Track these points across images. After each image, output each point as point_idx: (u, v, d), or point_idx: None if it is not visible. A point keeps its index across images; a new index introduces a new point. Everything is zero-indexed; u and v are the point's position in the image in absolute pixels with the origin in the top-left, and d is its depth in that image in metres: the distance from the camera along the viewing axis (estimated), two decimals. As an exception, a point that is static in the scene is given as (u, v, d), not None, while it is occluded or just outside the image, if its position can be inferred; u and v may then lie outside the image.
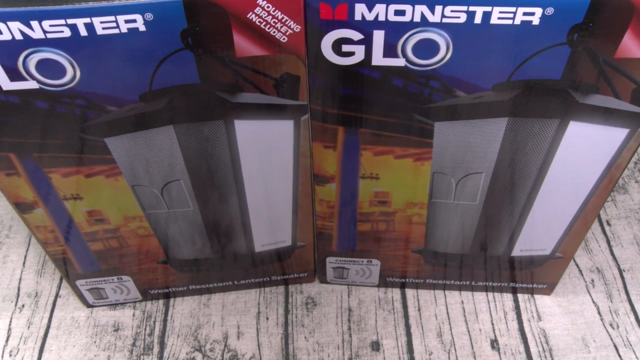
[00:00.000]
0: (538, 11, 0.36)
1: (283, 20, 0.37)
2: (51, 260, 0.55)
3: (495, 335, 0.60)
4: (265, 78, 0.41)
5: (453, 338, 0.60)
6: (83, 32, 0.36)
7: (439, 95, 0.42)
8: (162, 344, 0.60)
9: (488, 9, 0.36)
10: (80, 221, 0.51)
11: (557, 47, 0.38)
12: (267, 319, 0.62)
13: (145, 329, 0.61)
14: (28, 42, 0.36)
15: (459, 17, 0.37)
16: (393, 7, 0.36)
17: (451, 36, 0.38)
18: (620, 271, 0.65)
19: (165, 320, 0.62)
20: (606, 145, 0.45)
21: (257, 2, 0.36)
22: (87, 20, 0.35)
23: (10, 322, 0.62)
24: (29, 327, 0.61)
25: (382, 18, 0.37)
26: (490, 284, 0.62)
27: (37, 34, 0.36)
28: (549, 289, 0.62)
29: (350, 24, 0.38)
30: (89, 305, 0.62)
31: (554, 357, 0.58)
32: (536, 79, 0.40)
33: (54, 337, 0.60)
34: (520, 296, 0.63)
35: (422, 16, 0.37)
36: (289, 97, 0.43)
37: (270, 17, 0.37)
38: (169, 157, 0.46)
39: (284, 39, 0.38)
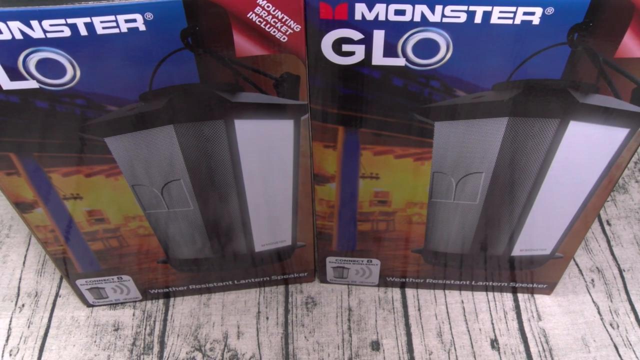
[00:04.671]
0: (538, 11, 0.36)
1: (283, 20, 0.37)
2: (51, 259, 0.55)
3: (495, 335, 0.60)
4: (265, 78, 0.41)
5: (453, 338, 0.60)
6: (83, 31, 0.36)
7: (439, 95, 0.42)
8: (162, 344, 0.60)
9: (488, 8, 0.36)
10: (80, 221, 0.51)
11: (557, 46, 0.38)
12: (267, 318, 0.62)
13: (145, 329, 0.61)
14: (28, 42, 0.36)
15: (459, 17, 0.37)
16: (393, 7, 0.36)
17: (451, 36, 0.38)
18: (620, 271, 0.65)
19: (165, 320, 0.62)
20: (606, 145, 0.45)
21: (257, 1, 0.36)
22: (87, 19, 0.35)
23: (10, 321, 0.62)
24: (29, 327, 0.61)
25: (382, 18, 0.37)
26: (490, 283, 0.62)
27: (37, 33, 0.36)
28: (549, 289, 0.62)
29: (350, 23, 0.38)
30: (89, 305, 0.62)
31: (554, 357, 0.58)
32: (536, 78, 0.40)
33: (54, 336, 0.60)
34: (520, 296, 0.63)
35: (422, 16, 0.37)
36: (289, 97, 0.43)
37: (270, 16, 0.37)
38: (169, 156, 0.46)
39: (284, 38, 0.38)
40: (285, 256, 0.60)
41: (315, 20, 0.38)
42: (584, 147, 0.45)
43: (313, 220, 0.56)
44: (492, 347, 0.59)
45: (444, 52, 0.39)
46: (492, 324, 0.61)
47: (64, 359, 0.59)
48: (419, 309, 0.62)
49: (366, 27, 0.38)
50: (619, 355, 0.58)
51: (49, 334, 0.61)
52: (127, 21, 0.36)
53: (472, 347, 0.59)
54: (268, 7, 0.37)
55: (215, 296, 0.63)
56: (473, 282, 0.62)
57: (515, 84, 0.41)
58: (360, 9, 0.37)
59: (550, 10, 0.36)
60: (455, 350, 0.59)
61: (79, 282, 0.59)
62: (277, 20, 0.37)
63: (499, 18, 0.36)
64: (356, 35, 0.38)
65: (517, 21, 0.36)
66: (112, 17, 0.36)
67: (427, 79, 0.41)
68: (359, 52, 0.39)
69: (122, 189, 0.49)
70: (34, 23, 0.35)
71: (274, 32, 0.38)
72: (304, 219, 0.55)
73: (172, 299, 0.63)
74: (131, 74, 0.39)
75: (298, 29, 0.38)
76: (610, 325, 0.60)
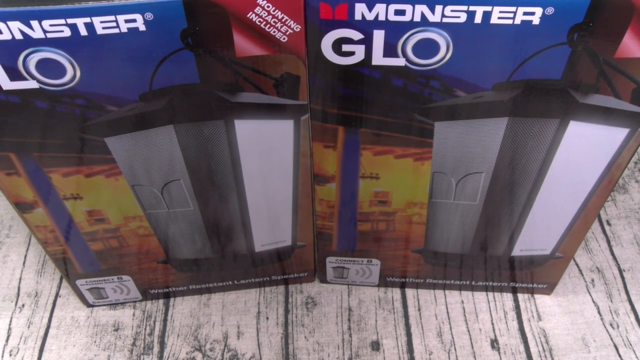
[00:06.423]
0: (538, 11, 0.36)
1: (283, 20, 0.37)
2: (51, 259, 0.55)
3: (495, 335, 0.60)
4: (265, 78, 0.41)
5: (453, 338, 0.60)
6: (83, 31, 0.36)
7: (439, 95, 0.42)
8: (162, 344, 0.60)
9: (488, 8, 0.36)
10: (80, 221, 0.51)
11: (557, 47, 0.38)
12: (267, 318, 0.62)
13: (145, 329, 0.61)
14: (28, 42, 0.36)
15: (459, 17, 0.37)
16: (393, 7, 0.36)
17: (451, 36, 0.38)
18: (620, 271, 0.65)
19: (165, 320, 0.62)
20: (606, 145, 0.45)
21: (257, 1, 0.36)
22: (87, 19, 0.36)
23: (10, 321, 0.62)
24: (29, 327, 0.61)
25: (382, 18, 0.37)
26: (490, 283, 0.62)
27: (37, 33, 0.36)
28: (549, 289, 0.62)
29: (350, 23, 0.38)
30: (89, 305, 0.62)
31: (554, 357, 0.58)
32: (536, 78, 0.40)
33: (54, 336, 0.60)
34: (520, 296, 0.63)
35: (422, 16, 0.37)
36: (289, 97, 0.43)
37: (270, 16, 0.37)
38: (169, 156, 0.46)
39: (284, 38, 0.38)
40: (285, 256, 0.60)
41: (315, 20, 0.38)
42: (584, 147, 0.45)
43: (313, 220, 0.56)
44: (492, 347, 0.59)
45: (444, 52, 0.39)
46: (492, 324, 0.61)
47: (64, 359, 0.59)
48: (419, 309, 0.62)
49: (366, 27, 0.38)
50: (619, 356, 0.58)
51: (49, 334, 0.61)
52: (127, 21, 0.36)
53: (472, 347, 0.59)
54: (268, 7, 0.37)
55: (215, 296, 0.63)
56: (473, 282, 0.62)
57: (515, 84, 0.41)
58: (360, 9, 0.37)
59: (550, 10, 0.36)
60: (455, 350, 0.59)
61: (79, 282, 0.59)
62: (277, 20, 0.37)
63: (499, 18, 0.36)
64: (356, 35, 0.38)
65: (517, 21, 0.36)
66: (112, 17, 0.36)
67: (427, 79, 0.41)
68: (359, 52, 0.39)
69: (122, 189, 0.49)
70: (34, 23, 0.35)
71: (274, 32, 0.38)
72: (304, 219, 0.55)
73: (172, 299, 0.63)
74: (131, 74, 0.39)
75: (298, 29, 0.38)
76: (610, 325, 0.60)
